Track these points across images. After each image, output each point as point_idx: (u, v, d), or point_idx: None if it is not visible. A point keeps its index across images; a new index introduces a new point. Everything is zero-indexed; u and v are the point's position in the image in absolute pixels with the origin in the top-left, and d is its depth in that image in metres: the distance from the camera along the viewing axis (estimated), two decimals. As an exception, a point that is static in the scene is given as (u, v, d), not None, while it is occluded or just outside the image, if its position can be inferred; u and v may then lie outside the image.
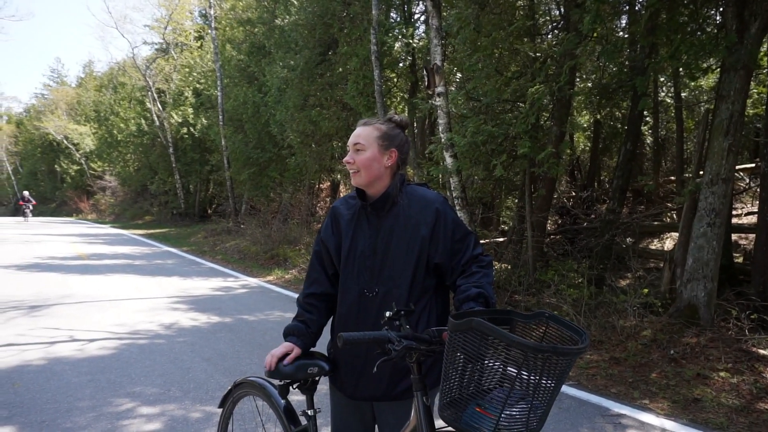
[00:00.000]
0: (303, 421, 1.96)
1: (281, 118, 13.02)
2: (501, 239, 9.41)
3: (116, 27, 45.91)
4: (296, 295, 7.99)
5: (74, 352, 5.07)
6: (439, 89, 7.14)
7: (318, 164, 13.39)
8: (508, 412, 1.27)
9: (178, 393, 4.06)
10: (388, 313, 1.56)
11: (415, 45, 11.40)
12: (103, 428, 3.43)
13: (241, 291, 8.69)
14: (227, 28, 20.27)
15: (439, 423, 1.50)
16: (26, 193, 28.64)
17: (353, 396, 1.83)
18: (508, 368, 1.28)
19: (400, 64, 12.01)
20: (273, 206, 15.80)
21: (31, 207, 27.62)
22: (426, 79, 7.46)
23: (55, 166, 41.53)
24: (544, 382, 1.27)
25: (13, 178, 50.09)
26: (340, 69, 11.76)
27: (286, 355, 1.79)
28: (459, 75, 10.82)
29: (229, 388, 2.33)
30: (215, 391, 4.07)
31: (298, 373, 1.82)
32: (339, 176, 14.95)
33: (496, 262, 8.41)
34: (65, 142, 39.45)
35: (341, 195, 15.57)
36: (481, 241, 8.34)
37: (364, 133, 1.77)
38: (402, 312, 1.58)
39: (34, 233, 18.62)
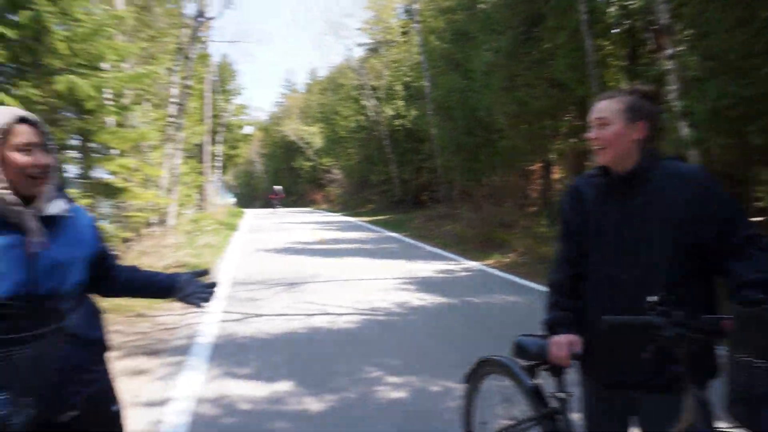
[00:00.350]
0: (553, 403, 1.94)
1: (488, 102, 13.05)
2: (759, 218, 8.04)
3: (333, 34, 51.12)
4: (518, 280, 8.13)
5: (327, 324, 5.94)
6: (669, 51, 6.41)
7: (529, 145, 13.11)
8: None
9: (417, 367, 4.46)
10: (653, 298, 1.45)
11: (632, 5, 10.30)
12: (359, 391, 3.98)
13: (463, 274, 9.07)
14: (429, 20, 20.97)
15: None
16: (278, 187, 32.08)
17: (608, 383, 1.77)
18: None
19: (615, 30, 10.99)
20: (484, 190, 15.97)
21: (279, 201, 30.72)
22: (651, 41, 6.76)
23: (293, 163, 48.17)
24: None
25: (264, 176, 59.58)
26: (548, 45, 11.27)
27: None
28: (691, 32, 9.46)
29: (474, 365, 2.42)
30: (450, 368, 4.33)
31: (545, 355, 1.82)
32: (553, 156, 14.39)
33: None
34: (299, 142, 45.47)
35: (555, 177, 14.99)
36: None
37: (606, 107, 1.70)
38: (670, 297, 1.46)
39: (282, 222, 21.99)
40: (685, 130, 6.23)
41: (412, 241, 14.21)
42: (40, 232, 1.51)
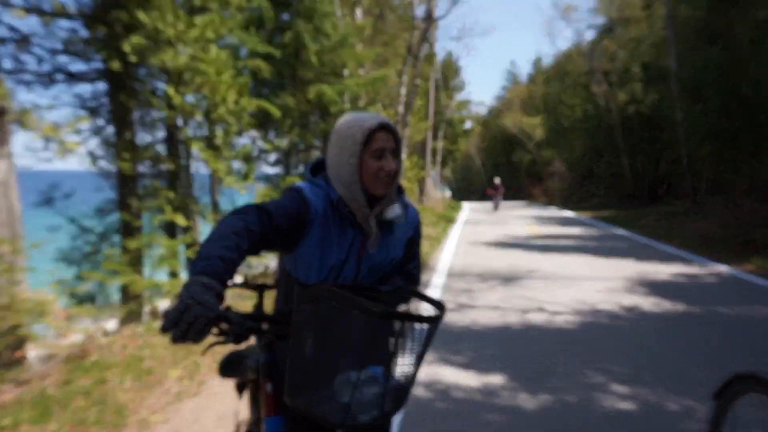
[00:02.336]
0: None
1: (757, 75, 10.76)
2: None
3: (562, 18, 48.39)
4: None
5: (544, 321, 5.59)
6: None
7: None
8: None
9: (649, 378, 3.90)
10: None
11: None
12: (578, 395, 3.62)
13: (710, 280, 7.68)
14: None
15: None
16: (497, 180, 25.20)
17: None
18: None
19: None
20: (743, 183, 13.32)
21: (500, 196, 24.55)
22: None
23: (512, 156, 47.35)
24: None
25: (481, 169, 59.98)
26: None
27: None
28: None
29: (729, 379, 2.07)
30: (691, 384, 3.70)
31: None
32: None
33: None
34: (519, 134, 44.42)
35: None
36: None
37: None
38: None
39: (499, 215, 21.74)
40: None
41: (644, 240, 12.61)
42: (376, 236, 1.62)
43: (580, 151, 29.49)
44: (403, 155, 14.19)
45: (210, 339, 1.24)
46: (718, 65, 13.20)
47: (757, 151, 12.99)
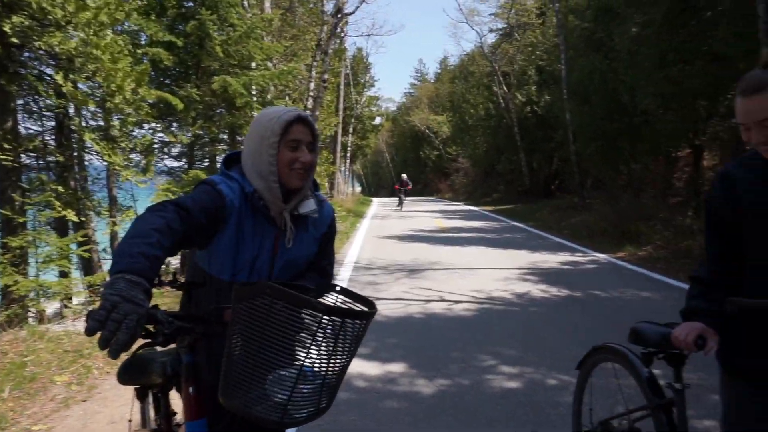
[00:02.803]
0: (668, 393, 1.81)
1: (633, 83, 11.95)
2: None
3: (466, 21, 50.37)
4: (652, 275, 7.41)
5: (444, 310, 5.90)
6: None
7: (680, 129, 11.78)
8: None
9: (534, 359, 4.27)
10: None
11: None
12: (472, 378, 3.90)
13: (591, 266, 8.49)
14: (570, -2, 19.68)
15: None
16: (404, 176, 25.17)
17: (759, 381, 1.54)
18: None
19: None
20: (622, 180, 14.75)
21: (404, 191, 24.47)
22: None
23: (420, 152, 48.66)
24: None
25: (390, 165, 61.00)
26: (709, 13, 9.98)
27: (701, 338, 1.52)
28: None
29: (588, 351, 2.35)
30: (570, 360, 4.08)
31: (664, 343, 1.70)
32: (706, 141, 12.83)
33: None
34: (427, 131, 45.74)
35: (706, 164, 13.35)
36: None
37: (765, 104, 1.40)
38: None
39: (406, 210, 22.32)
40: None
41: (537, 232, 13.61)
42: (291, 231, 1.60)
43: (483, 148, 30.95)
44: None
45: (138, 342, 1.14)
46: (601, 72, 14.45)
47: (634, 152, 14.42)
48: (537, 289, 6.79)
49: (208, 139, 11.00)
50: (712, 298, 1.57)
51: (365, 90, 38.72)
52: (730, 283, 1.58)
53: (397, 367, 4.15)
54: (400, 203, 23.77)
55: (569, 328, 5.05)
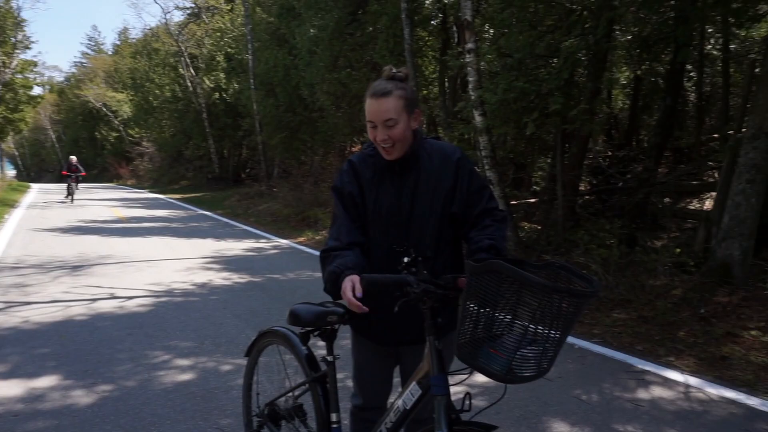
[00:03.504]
0: (323, 367, 2.01)
1: (311, 81, 12.96)
2: (532, 200, 9.27)
3: (148, -8, 46.14)
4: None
5: (114, 308, 5.32)
6: (470, 45, 6.95)
7: (349, 126, 13.35)
8: (520, 353, 1.32)
9: (210, 347, 4.23)
10: (405, 259, 1.58)
11: (446, 1, 11.06)
12: (140, 378, 3.62)
13: (273, 252, 8.89)
14: (256, -10, 20.07)
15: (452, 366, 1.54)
16: (73, 158, 20.00)
17: (385, 342, 1.89)
18: (516, 320, 1.32)
19: (432, 22, 11.71)
20: (304, 169, 15.94)
21: (79, 178, 19.56)
22: (457, 35, 7.26)
23: (96, 133, 42.74)
24: (553, 333, 1.30)
25: (57, 145, 51.83)
26: (370, 28, 11.55)
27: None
28: (491, 31, 10.48)
29: (255, 337, 2.43)
30: (246, 344, 4.19)
31: (317, 321, 1.88)
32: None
33: (526, 223, 8.31)
34: (104, 109, 40.42)
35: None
36: (513, 202, 8.28)
37: (391, 106, 1.67)
38: (419, 258, 1.59)
39: (77, 198, 19.31)
40: (478, 118, 6.84)
41: (225, 220, 13.58)
42: None
43: (170, 132, 29.10)
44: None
45: None
46: (285, 67, 15.24)
47: (313, 144, 15.73)
48: (219, 278, 6.74)
49: None
50: (355, 258, 1.71)
51: (18, 52, 31.66)
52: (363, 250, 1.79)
53: (46, 381, 3.54)
54: (70, 193, 18.63)
55: (247, 314, 5.16)
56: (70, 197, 18.59)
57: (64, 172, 19.39)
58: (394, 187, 1.77)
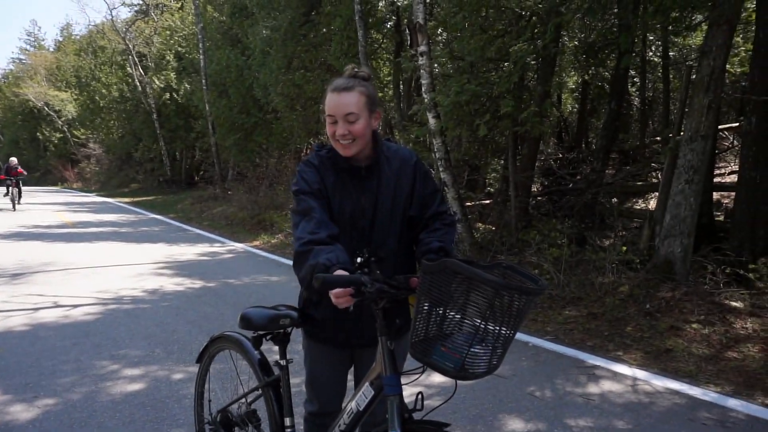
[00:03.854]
0: (276, 371, 1.99)
1: (265, 82, 12.78)
2: (487, 201, 9.45)
3: (93, -12, 44.41)
4: (283, 260, 8.09)
5: (58, 317, 5.09)
6: (422, 48, 7.01)
7: (304, 128, 13.23)
8: (472, 351, 1.34)
9: (162, 354, 4.10)
10: (358, 259, 1.58)
11: (399, 4, 11.13)
12: (86, 390, 3.47)
13: (227, 256, 8.70)
14: (208, -12, 19.62)
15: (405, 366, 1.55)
16: (14, 160, 17.21)
17: (339, 345, 1.86)
18: (466, 318, 1.34)
19: (386, 24, 11.76)
20: (259, 172, 15.70)
21: (16, 181, 16.80)
22: (410, 38, 7.32)
23: (37, 134, 40.67)
24: (503, 330, 1.33)
25: (-6, 147, 49.11)
26: (324, 30, 11.49)
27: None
28: (444, 34, 10.63)
29: (206, 343, 2.37)
30: (197, 352, 4.11)
31: (270, 325, 1.85)
32: (325, 140, 14.84)
33: (481, 224, 8.46)
34: (46, 109, 38.53)
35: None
36: (467, 204, 8.41)
37: (353, 101, 1.65)
38: (372, 258, 1.59)
39: (18, 203, 18.35)
40: (432, 120, 6.92)
41: (177, 224, 13.20)
42: None
43: (119, 133, 28.06)
44: None
45: None
46: (238, 67, 14.97)
47: (268, 145, 15.51)
48: (171, 283, 6.54)
49: None
50: (342, 251, 1.61)
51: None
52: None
53: (-20, 398, 3.34)
54: (13, 198, 16.38)
55: (200, 320, 5.03)
56: (14, 203, 16.39)
57: (2, 177, 16.48)
58: (356, 191, 1.74)
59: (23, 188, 17.85)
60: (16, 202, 16.64)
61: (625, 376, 3.63)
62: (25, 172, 17.58)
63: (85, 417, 3.10)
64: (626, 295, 4.94)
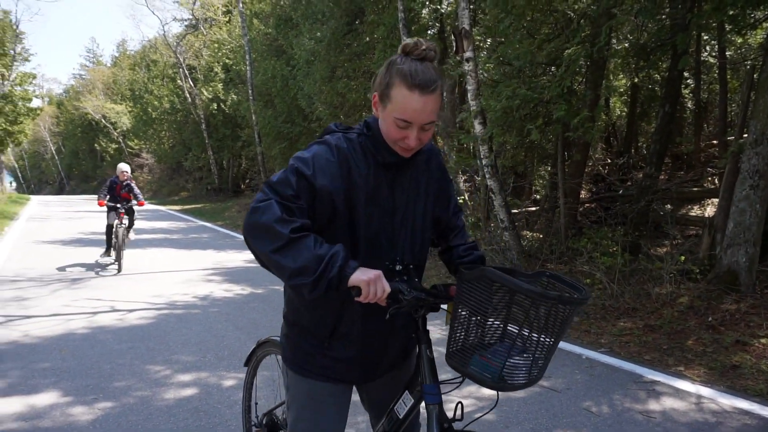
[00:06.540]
0: None
1: (309, 91, 12.98)
2: (533, 208, 9.25)
3: (146, 4, 46.45)
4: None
5: (115, 321, 5.27)
6: (468, 54, 6.95)
7: (347, 136, 13.33)
8: (511, 362, 1.32)
9: (213, 360, 4.18)
10: (398, 267, 1.47)
11: (443, 10, 11.10)
12: (142, 394, 3.56)
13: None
14: (255, 2, 20.17)
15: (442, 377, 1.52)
16: (124, 167, 8.80)
17: (357, 381, 1.63)
18: (509, 327, 1.33)
19: (429, 31, 11.74)
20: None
21: (132, 211, 8.82)
22: (455, 44, 7.27)
23: (95, 144, 42.74)
24: (543, 338, 1.31)
25: (56, 157, 51.83)
26: (367, 38, 11.58)
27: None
28: (489, 40, 10.51)
29: (253, 347, 2.38)
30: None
31: None
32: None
33: (528, 231, 8.28)
34: (103, 121, 40.46)
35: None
36: (514, 211, 8.25)
37: (436, 106, 1.34)
38: (411, 266, 1.51)
39: (76, 210, 19.28)
40: (478, 126, 6.83)
41: (225, 231, 13.54)
42: None
43: (169, 143, 29.13)
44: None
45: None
46: (283, 78, 15.28)
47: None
48: (220, 289, 6.69)
49: None
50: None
51: (17, 64, 31.73)
52: None
53: (46, 398, 3.48)
54: (120, 248, 7.93)
55: (249, 326, 5.11)
56: (114, 256, 8.22)
57: (101, 202, 8.42)
58: (388, 187, 1.47)
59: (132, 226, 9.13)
60: (125, 241, 8.24)
61: (689, 393, 3.44)
62: (141, 198, 8.90)
63: (141, 420, 3.18)
64: (686, 306, 4.71)
